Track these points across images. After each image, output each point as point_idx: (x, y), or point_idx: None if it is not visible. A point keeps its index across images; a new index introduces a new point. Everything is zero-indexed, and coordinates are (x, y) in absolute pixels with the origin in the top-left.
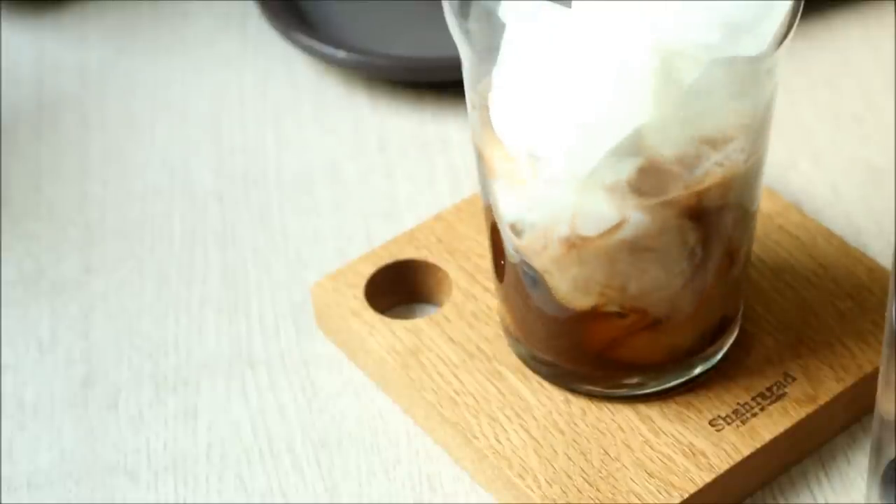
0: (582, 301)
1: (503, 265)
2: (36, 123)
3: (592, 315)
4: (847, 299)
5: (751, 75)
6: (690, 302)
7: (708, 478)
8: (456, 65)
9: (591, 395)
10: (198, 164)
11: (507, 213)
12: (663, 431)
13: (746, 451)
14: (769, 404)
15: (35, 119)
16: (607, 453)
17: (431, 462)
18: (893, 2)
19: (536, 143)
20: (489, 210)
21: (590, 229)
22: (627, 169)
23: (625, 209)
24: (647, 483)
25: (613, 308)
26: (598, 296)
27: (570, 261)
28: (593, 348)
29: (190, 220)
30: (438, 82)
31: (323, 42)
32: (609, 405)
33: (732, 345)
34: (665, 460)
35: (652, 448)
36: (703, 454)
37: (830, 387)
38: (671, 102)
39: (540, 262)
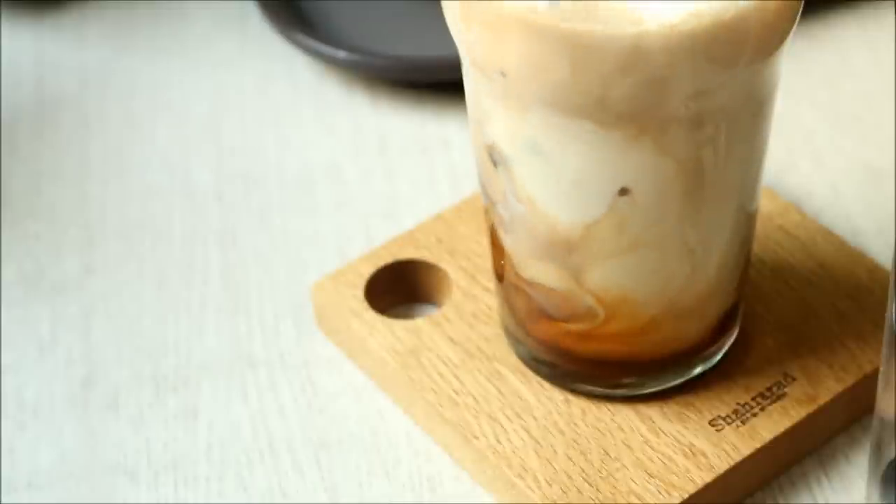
0: (573, 300)
1: (503, 265)
2: (36, 123)
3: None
4: (847, 299)
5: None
6: (689, 303)
7: (708, 478)
8: (456, 65)
9: (591, 395)
10: (198, 164)
11: (503, 209)
12: (663, 431)
13: (746, 451)
14: (769, 404)
15: (35, 119)
16: (607, 453)
17: (431, 462)
18: (893, 2)
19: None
20: (489, 210)
21: (584, 219)
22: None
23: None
24: (647, 483)
25: (602, 313)
26: (591, 298)
27: (561, 259)
28: (592, 348)
29: (190, 220)
30: (438, 82)
31: (323, 42)
32: (609, 405)
33: (732, 345)
34: (665, 460)
35: (652, 448)
36: (703, 454)
37: (830, 387)
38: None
39: (528, 261)
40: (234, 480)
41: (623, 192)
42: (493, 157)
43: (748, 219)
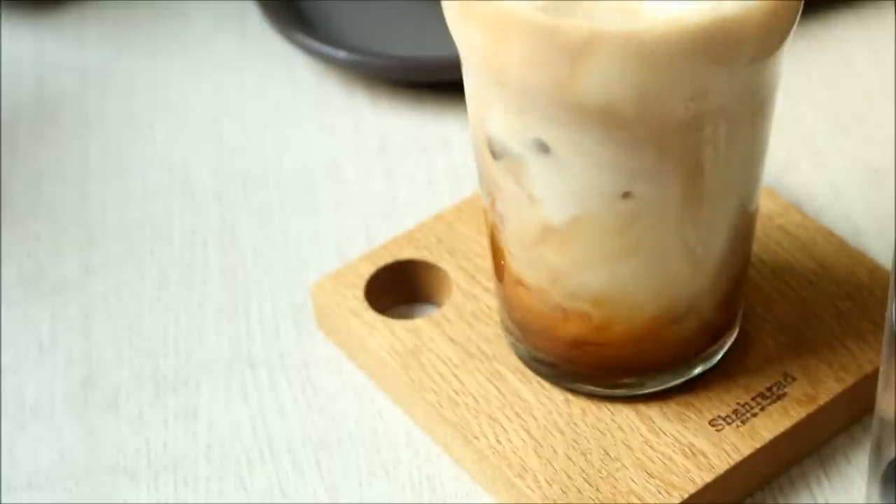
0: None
1: (503, 265)
2: (36, 123)
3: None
4: (847, 299)
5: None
6: (688, 304)
7: (708, 478)
8: (456, 65)
9: (591, 395)
10: (198, 164)
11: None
12: (663, 431)
13: (746, 451)
14: (769, 404)
15: (35, 119)
16: (607, 453)
17: (431, 462)
18: (893, 2)
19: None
20: (489, 210)
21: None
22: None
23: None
24: (647, 483)
25: (598, 317)
26: (587, 302)
27: (558, 261)
28: (590, 350)
29: (190, 220)
30: (438, 82)
31: (323, 42)
32: (609, 405)
33: (732, 345)
34: (665, 460)
35: (652, 448)
36: (703, 454)
37: (830, 387)
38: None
39: (525, 262)
40: (234, 480)
41: (624, 193)
42: (494, 151)
43: (748, 219)
